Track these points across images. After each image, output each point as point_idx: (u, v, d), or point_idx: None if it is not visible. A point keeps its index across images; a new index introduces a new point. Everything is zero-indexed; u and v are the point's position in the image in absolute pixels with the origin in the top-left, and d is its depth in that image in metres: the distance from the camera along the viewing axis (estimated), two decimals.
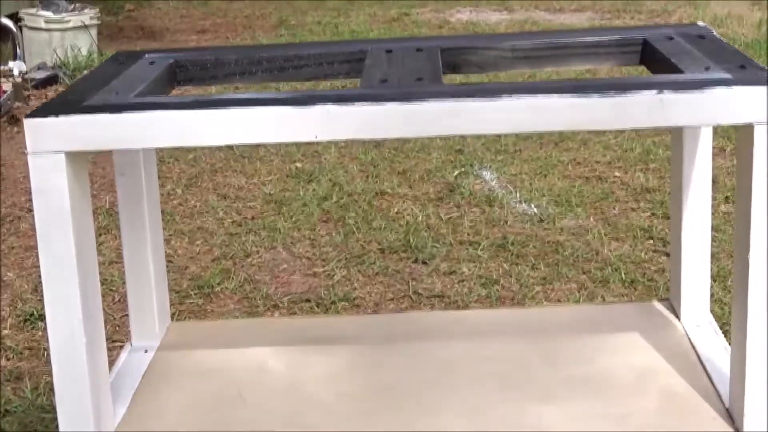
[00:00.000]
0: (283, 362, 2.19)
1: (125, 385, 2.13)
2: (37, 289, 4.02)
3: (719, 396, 1.98)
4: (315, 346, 2.24)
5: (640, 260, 4.12)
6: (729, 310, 3.24)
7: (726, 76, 1.80)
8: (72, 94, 1.92)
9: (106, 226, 4.56)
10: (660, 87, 1.75)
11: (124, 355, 2.26)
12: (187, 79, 2.17)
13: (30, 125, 1.77)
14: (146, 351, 2.27)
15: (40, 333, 3.73)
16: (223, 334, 2.35)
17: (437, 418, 1.96)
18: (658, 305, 2.35)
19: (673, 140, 2.28)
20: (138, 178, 2.21)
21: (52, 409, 3.14)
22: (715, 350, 2.14)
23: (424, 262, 4.20)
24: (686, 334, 2.22)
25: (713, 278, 3.70)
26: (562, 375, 2.09)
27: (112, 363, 2.14)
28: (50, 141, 1.76)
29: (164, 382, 2.14)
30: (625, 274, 3.99)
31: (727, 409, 1.93)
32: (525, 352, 2.18)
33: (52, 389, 3.24)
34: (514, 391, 2.04)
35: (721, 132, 5.28)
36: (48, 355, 3.52)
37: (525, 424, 1.93)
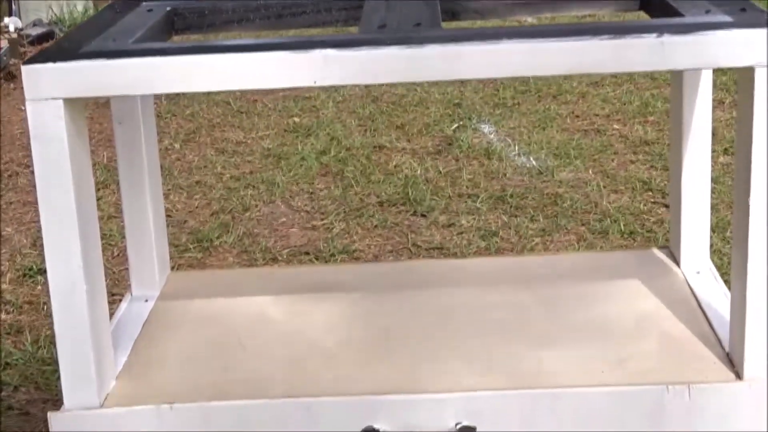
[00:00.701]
0: (283, 310, 2.19)
1: (126, 334, 2.13)
2: (36, 243, 4.02)
3: (719, 341, 1.98)
4: (315, 294, 2.24)
5: (638, 212, 4.12)
6: (728, 261, 3.23)
7: (726, 18, 1.79)
8: (69, 41, 1.91)
9: (104, 181, 4.55)
10: (661, 30, 1.74)
11: (124, 305, 2.27)
12: (185, 27, 2.15)
13: (28, 72, 1.76)
14: (146, 300, 2.27)
15: (39, 287, 3.74)
16: (223, 284, 2.35)
17: (437, 363, 1.96)
18: (658, 253, 2.35)
19: (672, 90, 2.27)
20: (136, 127, 2.20)
21: (53, 362, 3.16)
22: (715, 296, 2.14)
23: (422, 215, 4.20)
24: (686, 280, 2.22)
25: (712, 229, 3.70)
26: (562, 321, 2.09)
27: (112, 313, 2.14)
28: (48, 87, 1.75)
29: (165, 330, 2.15)
30: (624, 225, 3.98)
31: (727, 354, 1.93)
32: (525, 299, 2.18)
33: (52, 342, 3.25)
34: (514, 336, 2.04)
35: (719, 85, 5.27)
36: (48, 308, 3.53)
37: (525, 369, 1.93)
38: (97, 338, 1.87)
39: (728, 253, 3.59)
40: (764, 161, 1.76)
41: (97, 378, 1.87)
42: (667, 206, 4.04)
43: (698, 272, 2.25)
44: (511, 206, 4.21)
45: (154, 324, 2.18)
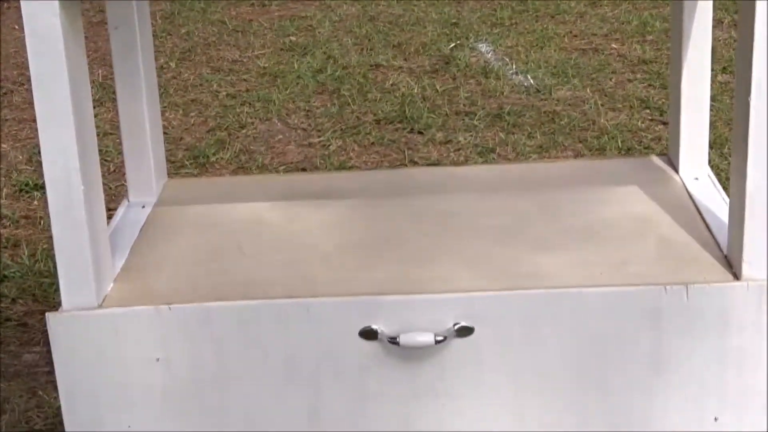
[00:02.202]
0: (281, 215, 2.18)
1: (123, 239, 2.13)
2: (32, 159, 4.01)
3: (717, 244, 1.98)
4: (313, 200, 2.24)
5: (636, 129, 4.11)
6: (726, 176, 3.23)
7: None
8: None
9: (100, 98, 4.53)
10: None
11: (121, 211, 2.26)
12: None
13: None
14: (143, 206, 2.27)
15: (35, 202, 3.74)
16: (220, 190, 2.34)
17: (434, 266, 1.96)
18: (657, 160, 2.34)
19: (672, 9, 2.24)
20: (132, 31, 2.18)
21: (50, 274, 3.16)
22: (714, 201, 2.14)
23: (419, 132, 4.19)
24: (684, 186, 2.22)
25: (710, 145, 3.69)
26: (560, 225, 2.09)
27: (109, 220, 2.14)
28: None
29: (162, 235, 2.14)
30: (621, 142, 3.98)
31: (726, 256, 1.94)
32: (524, 205, 2.17)
33: (49, 255, 3.25)
34: (513, 240, 2.04)
35: (719, 5, 5.23)
36: (45, 223, 3.54)
37: (523, 271, 1.93)
38: (95, 239, 1.87)
39: (726, 168, 3.58)
40: (764, 56, 1.75)
41: (95, 279, 1.87)
42: (665, 123, 4.04)
43: (697, 178, 2.24)
44: (508, 123, 4.20)
45: (152, 229, 2.17)
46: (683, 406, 1.88)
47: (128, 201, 2.30)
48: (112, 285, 1.96)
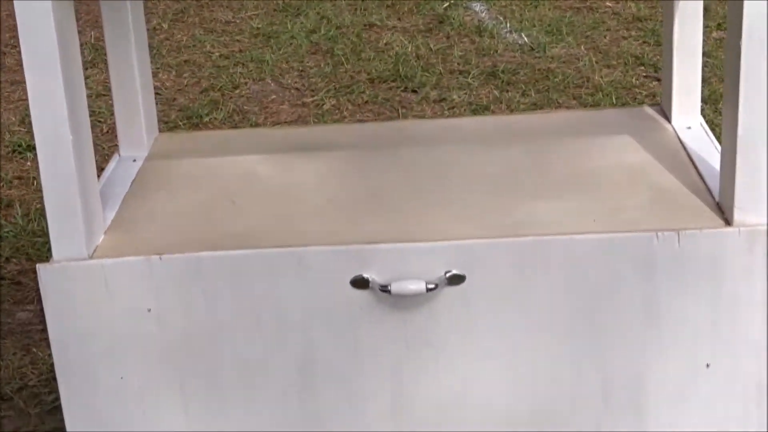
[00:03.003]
0: (273, 168, 2.18)
1: (114, 192, 2.12)
2: (24, 121, 4.00)
3: (709, 191, 1.97)
4: (305, 153, 2.23)
5: (630, 85, 4.10)
6: (721, 131, 3.22)
7: None
8: None
9: (92, 60, 4.51)
10: None
11: (112, 165, 2.25)
12: None
13: None
14: (134, 160, 2.26)
15: (28, 163, 3.73)
16: (212, 144, 2.33)
17: (426, 215, 1.96)
18: (649, 110, 2.33)
19: None
20: None
21: (43, 234, 3.16)
22: (706, 150, 2.13)
23: (413, 91, 4.18)
24: (677, 135, 2.21)
25: (704, 101, 3.69)
26: (552, 175, 2.08)
27: (100, 175, 2.13)
28: None
29: (153, 188, 2.13)
30: (615, 98, 3.97)
31: (717, 203, 1.93)
32: (516, 155, 2.17)
33: (42, 215, 3.25)
34: (505, 190, 2.04)
35: None
36: (37, 183, 3.52)
37: (515, 219, 1.93)
38: (84, 190, 1.86)
39: (720, 123, 3.57)
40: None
41: (85, 230, 1.86)
42: (659, 80, 4.02)
43: (689, 128, 2.24)
44: (502, 81, 4.19)
45: (143, 182, 2.16)
46: (675, 353, 1.88)
47: (119, 155, 2.29)
48: (102, 237, 1.95)
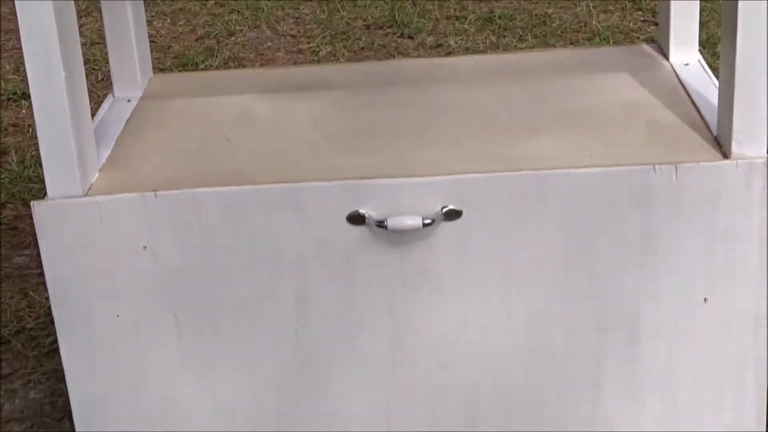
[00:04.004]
0: (268, 107, 2.16)
1: (108, 131, 2.11)
2: (19, 69, 3.97)
3: (707, 125, 1.96)
4: (300, 91, 2.22)
5: (628, 30, 4.08)
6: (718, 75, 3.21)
7: None
8: None
9: (86, 8, 4.48)
10: None
11: (106, 105, 2.24)
12: None
13: None
14: (129, 101, 2.24)
15: (24, 111, 3.71)
16: (207, 84, 2.32)
17: (422, 151, 1.95)
18: (647, 47, 2.32)
19: None
20: None
21: (39, 180, 3.15)
22: (704, 85, 2.12)
23: (410, 37, 4.15)
24: (675, 71, 2.19)
25: (702, 45, 3.66)
26: (549, 111, 2.07)
27: (94, 115, 2.12)
28: None
29: (148, 127, 2.12)
30: (613, 43, 3.95)
31: (715, 137, 1.92)
32: (513, 92, 2.15)
33: (38, 162, 3.23)
34: (502, 127, 2.02)
35: None
36: (33, 131, 3.51)
37: (512, 154, 1.92)
38: (78, 126, 1.84)
39: (718, 66, 3.55)
40: None
41: (80, 168, 1.85)
42: (656, 24, 4.00)
43: (687, 64, 2.22)
44: (499, 27, 4.17)
45: (137, 122, 2.15)
46: (672, 288, 1.88)
47: (113, 96, 2.28)
48: (97, 175, 1.94)
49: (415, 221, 1.83)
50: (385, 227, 1.83)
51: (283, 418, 1.96)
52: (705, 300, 1.89)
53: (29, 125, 3.56)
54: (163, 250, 1.86)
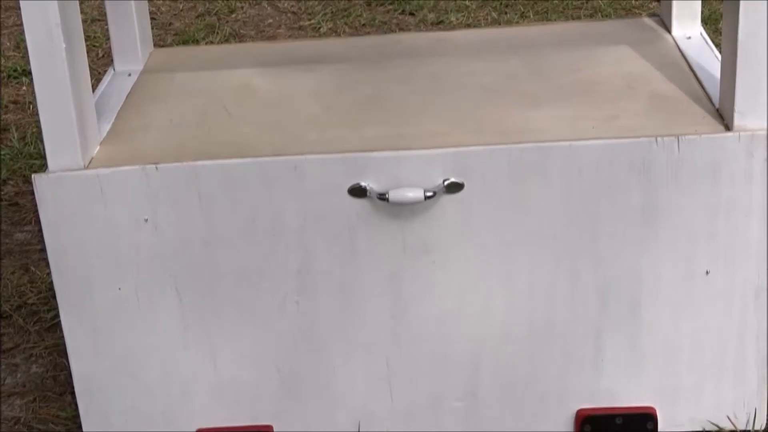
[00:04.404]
0: (269, 81, 2.16)
1: (109, 105, 2.11)
2: (19, 46, 3.96)
3: (709, 98, 1.96)
4: (301, 65, 2.21)
5: (630, 6, 4.06)
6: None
7: None
8: None
9: None
10: None
11: (107, 79, 2.23)
12: None
13: None
14: (129, 75, 2.24)
15: (24, 88, 3.70)
16: (207, 58, 2.31)
17: (423, 124, 1.94)
18: (649, 20, 2.31)
19: None
20: None
21: (40, 156, 3.15)
22: (706, 58, 2.11)
23: (411, 13, 4.14)
24: (677, 45, 2.19)
25: (704, 21, 3.65)
26: (550, 84, 2.06)
27: (94, 88, 2.11)
28: None
29: (149, 101, 2.12)
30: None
31: (717, 110, 1.91)
32: (514, 65, 2.15)
33: (39, 139, 3.23)
34: (503, 98, 2.02)
35: None
36: (34, 107, 3.50)
37: (513, 127, 1.91)
38: (79, 99, 1.84)
39: (720, 42, 3.54)
40: None
41: (80, 140, 1.85)
42: (658, 0, 3.98)
43: (689, 37, 2.21)
44: (500, 3, 4.15)
45: (138, 95, 2.15)
46: (674, 259, 1.88)
47: (114, 70, 2.27)
48: (98, 148, 1.94)
49: (417, 194, 1.83)
50: (387, 200, 1.83)
51: (285, 388, 1.96)
52: (707, 273, 1.89)
53: (30, 102, 3.55)
54: (164, 223, 1.86)
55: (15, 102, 3.60)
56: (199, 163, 1.85)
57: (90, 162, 1.89)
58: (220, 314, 1.91)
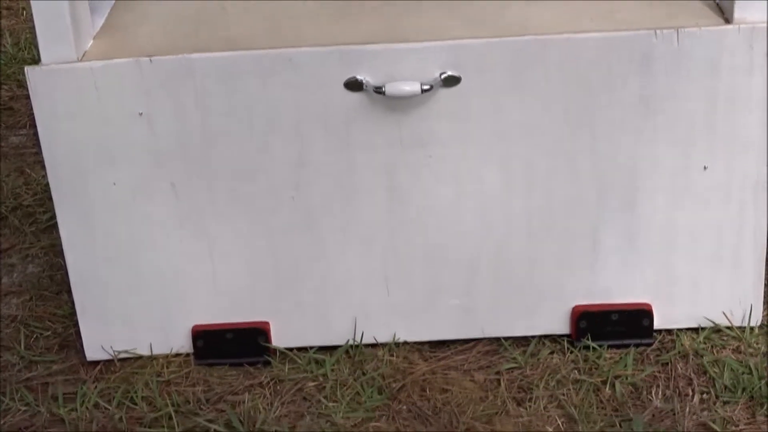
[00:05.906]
0: None
1: (102, 1, 2.08)
2: None
3: None
4: None
5: None
6: None
7: None
8: None
9: None
10: None
11: None
12: None
13: None
14: None
15: None
16: None
17: (420, 17, 1.91)
18: None
19: None
20: None
21: (34, 61, 3.12)
22: None
23: None
24: None
25: None
26: None
27: None
28: None
29: None
30: None
31: (717, 3, 1.89)
32: None
33: (33, 45, 3.20)
34: None
35: None
36: (27, 13, 3.46)
37: (512, 21, 1.89)
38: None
39: None
40: None
41: (73, 33, 1.82)
42: None
43: None
44: None
45: None
46: (672, 152, 1.87)
47: None
48: (91, 42, 1.92)
49: (414, 87, 1.81)
50: (383, 93, 1.81)
51: (281, 281, 1.96)
52: (705, 168, 1.88)
53: (23, 8, 3.52)
54: (158, 117, 1.85)
55: (8, 8, 3.56)
56: (194, 55, 1.83)
57: (83, 55, 1.87)
58: (216, 208, 1.90)
